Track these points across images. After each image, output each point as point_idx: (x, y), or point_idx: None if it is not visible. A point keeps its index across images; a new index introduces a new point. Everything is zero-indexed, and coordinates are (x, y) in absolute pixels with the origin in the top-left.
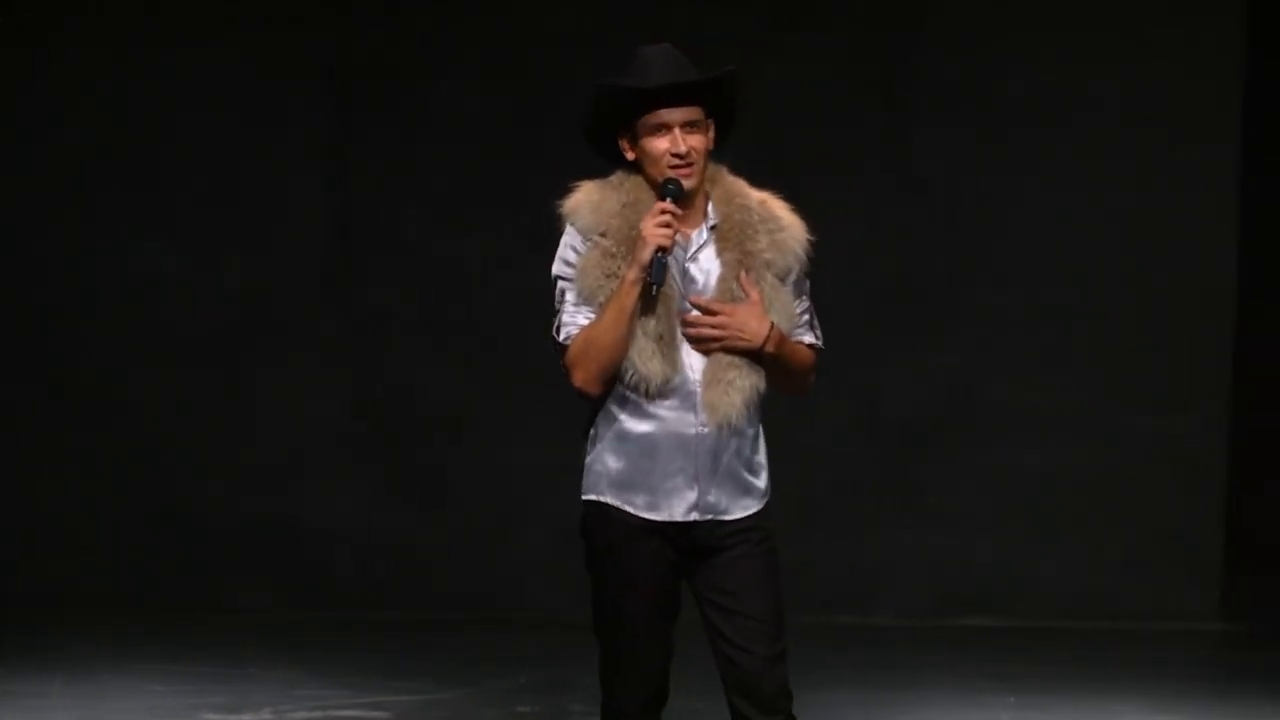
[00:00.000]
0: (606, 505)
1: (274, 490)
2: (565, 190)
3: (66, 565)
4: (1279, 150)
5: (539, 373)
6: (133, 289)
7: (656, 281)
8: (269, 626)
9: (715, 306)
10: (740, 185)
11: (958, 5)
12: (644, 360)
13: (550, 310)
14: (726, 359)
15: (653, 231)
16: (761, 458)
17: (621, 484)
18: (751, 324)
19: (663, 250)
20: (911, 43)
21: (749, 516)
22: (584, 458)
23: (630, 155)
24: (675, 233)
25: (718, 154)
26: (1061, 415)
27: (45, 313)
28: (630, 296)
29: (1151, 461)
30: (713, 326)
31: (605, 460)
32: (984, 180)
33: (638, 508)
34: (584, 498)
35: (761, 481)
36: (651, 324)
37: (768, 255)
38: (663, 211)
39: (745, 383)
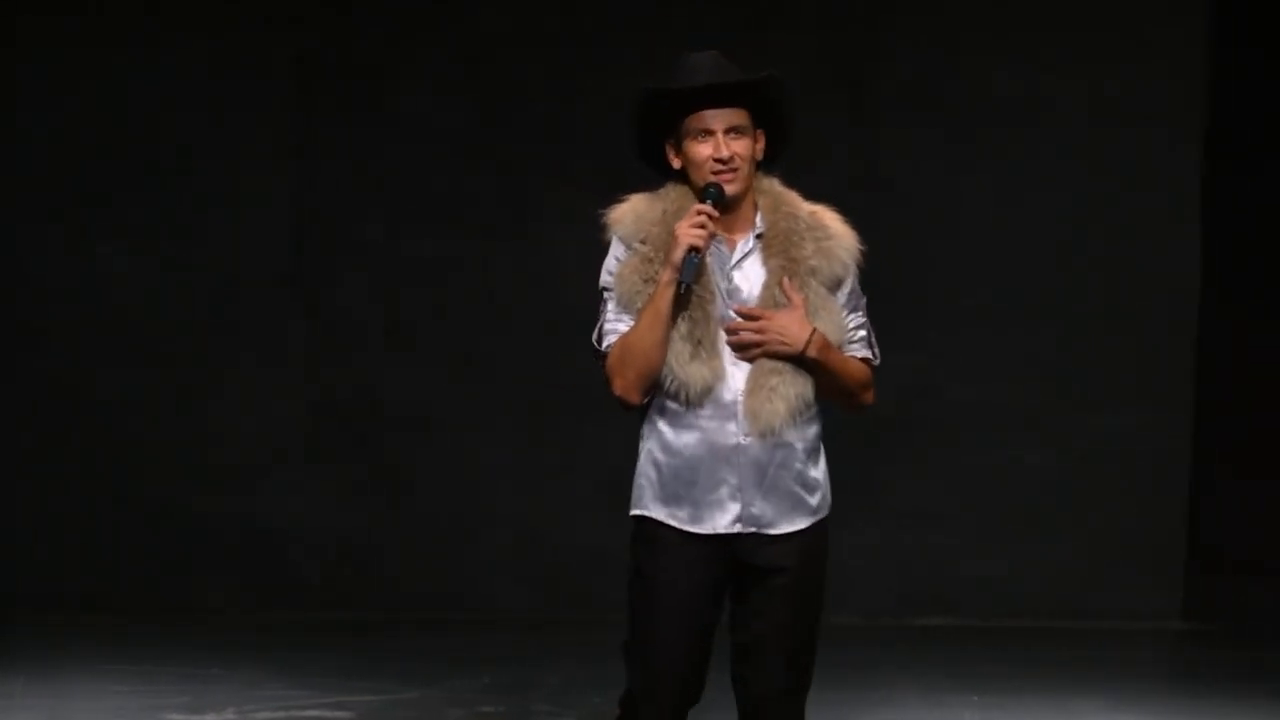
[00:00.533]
0: (651, 520)
1: (238, 491)
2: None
3: (28, 566)
4: (1243, 149)
5: (502, 372)
6: (95, 290)
7: (687, 280)
8: (233, 627)
9: (756, 312)
10: (791, 196)
11: (923, 5)
12: (682, 365)
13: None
14: (769, 365)
15: (686, 231)
16: (818, 473)
17: (665, 497)
18: (792, 328)
19: (695, 250)
20: (877, 42)
21: (797, 533)
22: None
23: (676, 163)
24: (711, 235)
25: (776, 168)
26: (1024, 415)
27: (9, 315)
28: (664, 298)
29: (1114, 461)
30: (752, 331)
31: (649, 473)
32: (948, 179)
33: (681, 521)
34: (631, 513)
35: (815, 498)
36: (690, 329)
37: (813, 262)
38: (699, 213)
39: (790, 390)
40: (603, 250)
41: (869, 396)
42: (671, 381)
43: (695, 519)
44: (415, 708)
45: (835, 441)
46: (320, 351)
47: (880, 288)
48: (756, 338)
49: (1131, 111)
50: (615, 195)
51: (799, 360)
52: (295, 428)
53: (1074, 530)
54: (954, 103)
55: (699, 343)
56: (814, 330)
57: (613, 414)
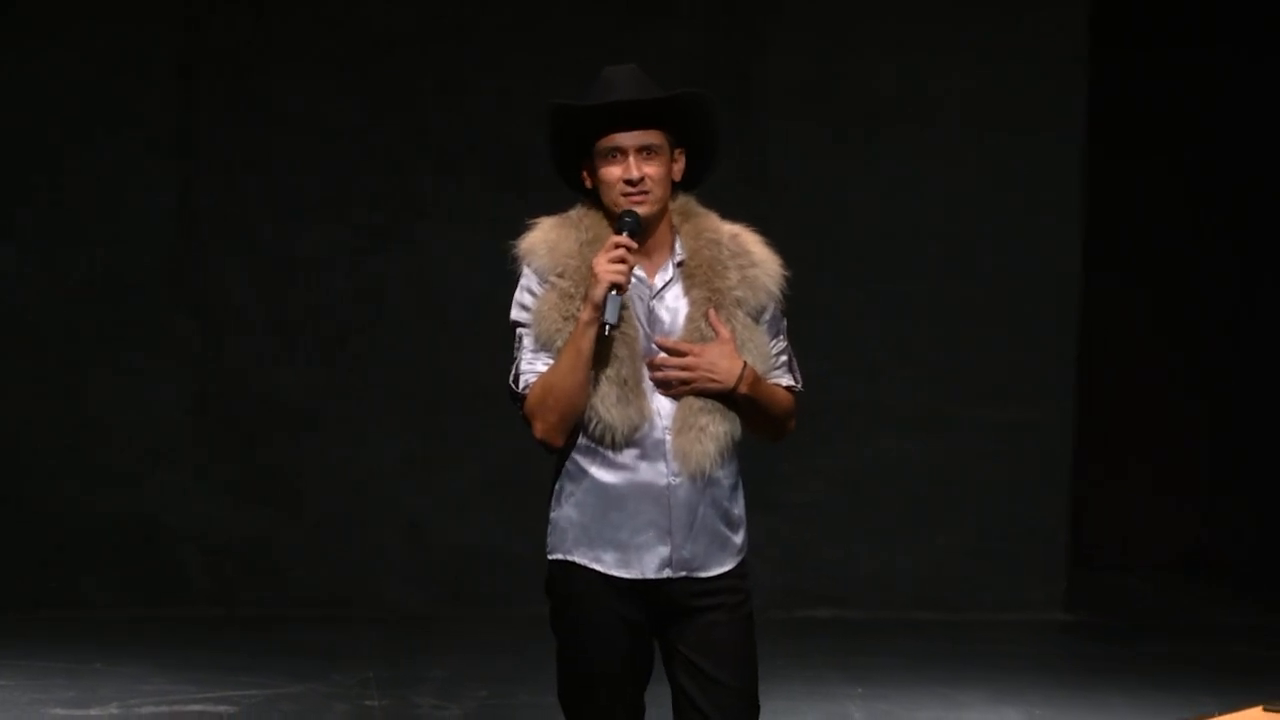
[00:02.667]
0: (573, 564)
1: (124, 487)
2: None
3: None
4: (1124, 147)
5: (388, 368)
6: None
7: (610, 321)
8: (116, 623)
9: (683, 347)
10: (711, 219)
11: (811, 2)
12: (607, 408)
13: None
14: (698, 403)
15: (605, 268)
16: (740, 510)
17: (589, 540)
18: (722, 364)
19: (617, 288)
20: (764, 40)
21: (725, 574)
22: (548, 513)
23: (589, 183)
24: (631, 268)
25: (700, 188)
26: (909, 410)
27: None
28: (586, 339)
29: (998, 456)
30: (681, 368)
31: (570, 515)
32: (834, 176)
33: (606, 565)
34: (549, 557)
35: (739, 537)
36: (614, 369)
37: (738, 292)
38: (617, 246)
39: (719, 429)
40: (490, 243)
41: (791, 425)
42: (596, 424)
43: (623, 563)
44: (298, 702)
45: None
46: (206, 348)
47: None
48: (684, 374)
49: (1015, 110)
50: (497, 191)
51: (729, 397)
52: (180, 423)
53: (958, 524)
54: (840, 100)
55: (625, 383)
56: (745, 365)
57: (495, 409)
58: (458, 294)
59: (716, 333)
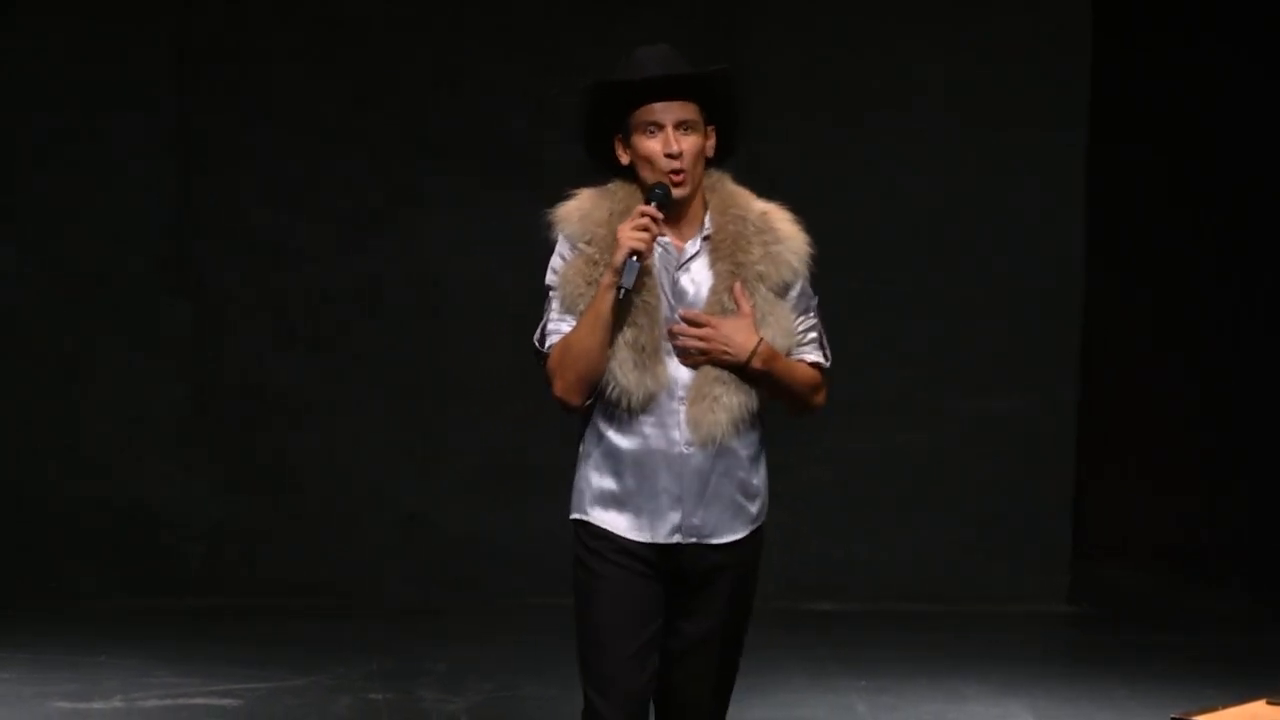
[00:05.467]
0: (588, 524)
1: (124, 481)
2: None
3: None
4: (1127, 136)
5: (382, 359)
6: None
7: (626, 285)
8: (117, 615)
9: (702, 318)
10: (742, 195)
11: None
12: (625, 373)
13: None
14: (713, 374)
15: (628, 234)
16: (758, 480)
17: (605, 502)
18: (737, 337)
19: (638, 254)
20: (759, 35)
21: (736, 542)
22: (573, 475)
23: (625, 159)
24: (654, 237)
25: (726, 166)
26: (912, 400)
27: None
28: (605, 302)
29: (1001, 446)
30: (697, 339)
31: (590, 478)
32: (830, 165)
33: (620, 528)
34: (570, 517)
35: (755, 506)
36: (634, 335)
37: (761, 268)
38: (642, 214)
39: (732, 400)
40: (486, 236)
41: (819, 399)
42: (614, 388)
43: (635, 526)
44: (302, 696)
45: None
46: (200, 338)
47: None
48: (701, 345)
49: (1017, 98)
50: (493, 184)
51: (743, 370)
52: (179, 417)
53: (961, 515)
54: (837, 91)
55: (643, 349)
56: (760, 341)
57: (493, 401)
58: (455, 287)
59: (738, 306)
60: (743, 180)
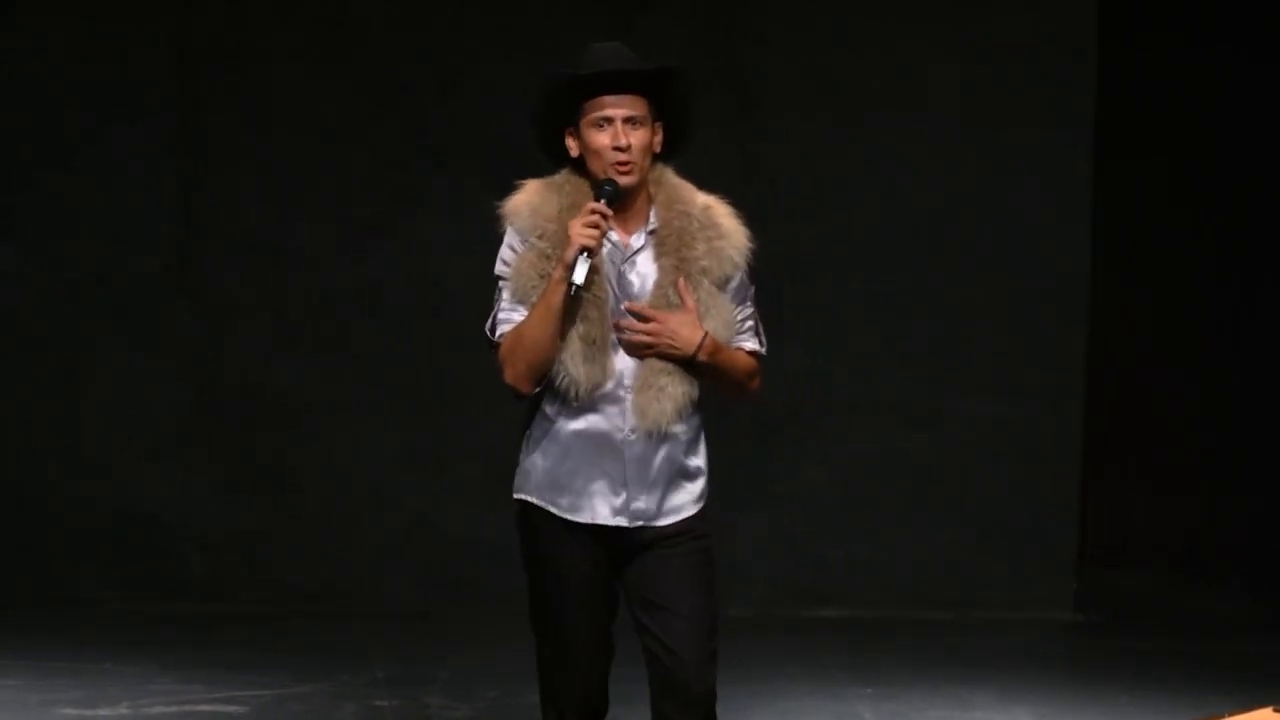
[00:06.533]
0: (532, 505)
1: (125, 484)
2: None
3: None
4: (1127, 136)
5: (384, 361)
6: None
7: (577, 282)
8: (118, 617)
9: (648, 313)
10: (686, 189)
11: None
12: (575, 364)
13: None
14: (659, 365)
15: (579, 232)
16: (699, 460)
17: (547, 484)
18: (683, 332)
19: (587, 251)
20: (761, 36)
21: (682, 521)
22: (518, 456)
23: (574, 150)
24: (603, 234)
25: (674, 163)
26: (916, 405)
27: None
28: (556, 295)
29: (1006, 452)
30: (644, 333)
31: (535, 460)
32: (833, 168)
33: (561, 509)
34: (514, 496)
35: (697, 486)
36: (584, 328)
37: (704, 263)
38: (592, 211)
39: (677, 390)
40: (487, 237)
41: (755, 384)
42: (563, 378)
43: (574, 508)
44: (307, 702)
45: (725, 433)
46: (201, 340)
47: (766, 278)
48: (647, 339)
49: (1021, 101)
50: (494, 185)
51: (689, 363)
52: (181, 420)
53: (965, 521)
54: (839, 91)
55: (592, 342)
56: (705, 335)
57: (494, 402)
58: (457, 289)
59: (682, 301)
60: (743, 180)
